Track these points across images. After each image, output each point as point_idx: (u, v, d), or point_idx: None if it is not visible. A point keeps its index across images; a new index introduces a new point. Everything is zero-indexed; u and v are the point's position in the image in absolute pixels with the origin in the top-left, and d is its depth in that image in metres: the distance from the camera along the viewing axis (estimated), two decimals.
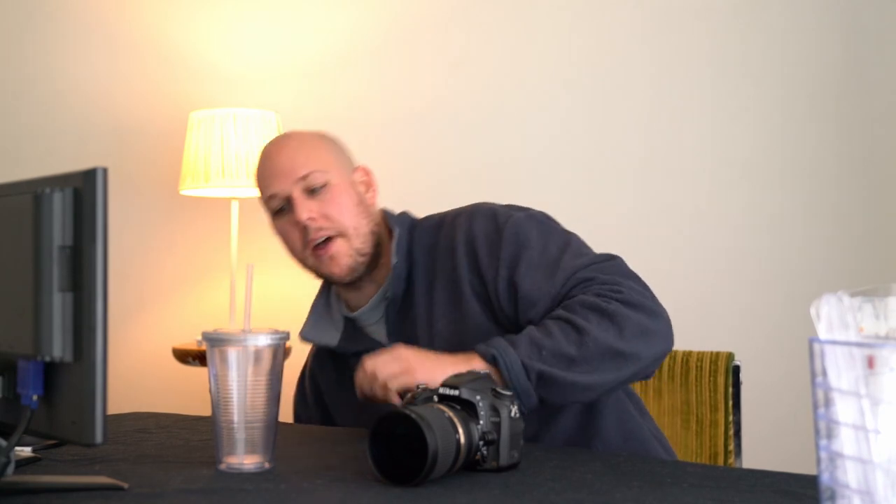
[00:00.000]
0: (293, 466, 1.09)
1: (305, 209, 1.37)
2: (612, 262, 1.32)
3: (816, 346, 0.59)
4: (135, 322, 2.70)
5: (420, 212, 1.51)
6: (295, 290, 2.64)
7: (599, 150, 2.65)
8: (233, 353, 1.06)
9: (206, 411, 1.21)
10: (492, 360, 1.20)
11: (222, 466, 1.07)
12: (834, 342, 0.58)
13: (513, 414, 1.06)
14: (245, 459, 1.07)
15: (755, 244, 2.62)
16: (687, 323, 2.50)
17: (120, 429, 1.38)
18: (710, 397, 1.59)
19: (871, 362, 0.57)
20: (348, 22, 2.72)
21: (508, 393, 1.07)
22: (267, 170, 1.42)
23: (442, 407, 1.02)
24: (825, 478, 0.59)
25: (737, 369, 1.58)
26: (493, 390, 1.07)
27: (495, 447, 1.04)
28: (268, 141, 1.48)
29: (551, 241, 1.34)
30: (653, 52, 2.66)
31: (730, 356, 1.58)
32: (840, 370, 0.58)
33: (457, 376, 1.09)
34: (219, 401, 1.07)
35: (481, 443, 1.03)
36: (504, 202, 1.45)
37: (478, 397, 1.04)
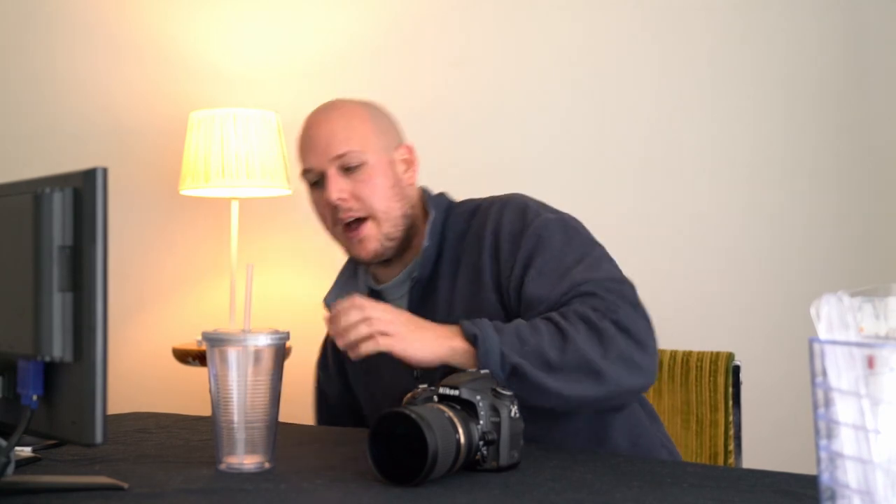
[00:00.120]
0: (293, 466, 1.09)
1: (336, 189, 1.37)
2: (621, 285, 1.28)
3: (816, 346, 0.59)
4: (135, 322, 2.70)
5: None
6: (295, 290, 2.65)
7: (599, 150, 2.65)
8: (233, 353, 1.06)
9: (206, 411, 1.21)
10: (472, 338, 1.20)
11: (222, 466, 1.07)
12: (834, 342, 0.58)
13: (513, 414, 1.06)
14: (245, 459, 1.07)
15: (755, 244, 2.62)
16: (687, 323, 2.53)
17: (120, 429, 1.38)
18: (710, 397, 1.59)
19: (871, 362, 0.57)
20: (348, 22, 2.71)
21: (508, 393, 1.07)
22: (306, 142, 1.42)
23: (442, 407, 1.02)
24: (825, 478, 0.59)
25: (737, 369, 1.58)
26: (494, 390, 1.07)
27: (495, 447, 1.04)
28: (312, 111, 1.44)
29: (571, 249, 1.32)
30: (653, 53, 2.66)
31: (730, 356, 1.58)
32: (840, 370, 0.58)
33: (457, 376, 1.09)
34: (219, 401, 1.07)
35: (481, 443, 1.03)
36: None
37: (478, 397, 1.04)
